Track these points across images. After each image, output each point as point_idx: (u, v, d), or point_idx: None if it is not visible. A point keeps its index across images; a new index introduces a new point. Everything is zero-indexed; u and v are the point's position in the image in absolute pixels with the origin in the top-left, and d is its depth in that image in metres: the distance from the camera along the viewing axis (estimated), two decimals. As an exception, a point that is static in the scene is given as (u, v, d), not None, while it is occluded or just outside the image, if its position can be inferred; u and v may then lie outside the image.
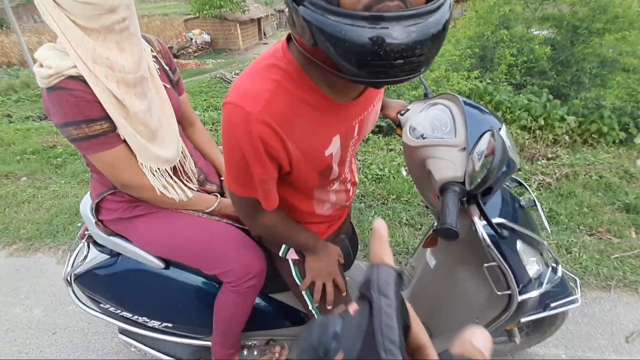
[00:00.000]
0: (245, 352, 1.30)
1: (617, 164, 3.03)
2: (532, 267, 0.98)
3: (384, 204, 2.72)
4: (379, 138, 3.84)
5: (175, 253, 1.05)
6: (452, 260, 1.13)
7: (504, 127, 0.90)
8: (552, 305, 1.17)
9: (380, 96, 0.84)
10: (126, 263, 1.12)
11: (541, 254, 1.03)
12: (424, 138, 0.93)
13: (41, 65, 0.82)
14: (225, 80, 8.77)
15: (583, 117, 3.66)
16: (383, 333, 0.23)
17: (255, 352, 1.30)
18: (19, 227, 2.58)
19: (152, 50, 1.02)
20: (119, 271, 1.13)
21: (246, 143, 0.61)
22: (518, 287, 0.92)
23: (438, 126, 0.93)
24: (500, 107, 3.78)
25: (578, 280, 1.26)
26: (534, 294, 0.93)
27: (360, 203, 2.75)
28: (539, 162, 3.16)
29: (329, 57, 0.50)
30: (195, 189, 1.11)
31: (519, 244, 0.93)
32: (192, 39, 14.81)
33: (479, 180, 0.66)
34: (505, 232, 0.72)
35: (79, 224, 2.56)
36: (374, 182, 3.00)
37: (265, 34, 18.56)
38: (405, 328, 0.28)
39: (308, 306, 1.00)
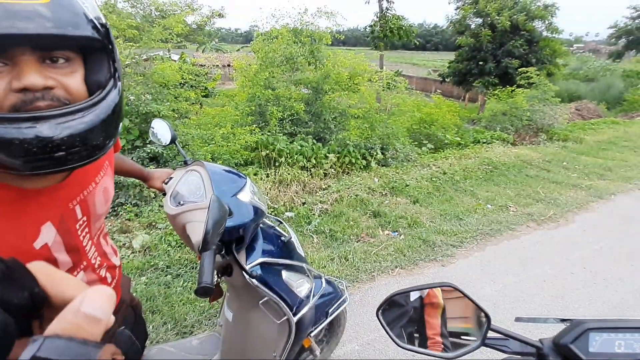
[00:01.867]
0: None
1: (364, 184, 4.16)
2: (303, 287, 1.20)
3: (192, 268, 2.60)
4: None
5: None
6: (244, 308, 1.22)
7: (248, 181, 1.09)
8: (330, 311, 1.45)
9: (106, 172, 0.78)
10: None
11: (307, 275, 1.27)
12: (182, 204, 1.00)
13: None
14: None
15: (339, 153, 4.86)
16: None
17: None
18: None
19: None
20: None
21: None
22: (292, 310, 1.09)
23: (194, 191, 1.02)
24: (282, 153, 4.48)
25: (344, 283, 1.62)
26: (304, 310, 1.13)
27: (166, 275, 2.52)
28: (317, 194, 3.91)
29: None
30: None
31: (284, 274, 1.12)
32: None
33: (201, 238, 0.74)
34: (255, 272, 0.86)
35: None
36: (178, 249, 2.83)
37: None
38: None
39: None
